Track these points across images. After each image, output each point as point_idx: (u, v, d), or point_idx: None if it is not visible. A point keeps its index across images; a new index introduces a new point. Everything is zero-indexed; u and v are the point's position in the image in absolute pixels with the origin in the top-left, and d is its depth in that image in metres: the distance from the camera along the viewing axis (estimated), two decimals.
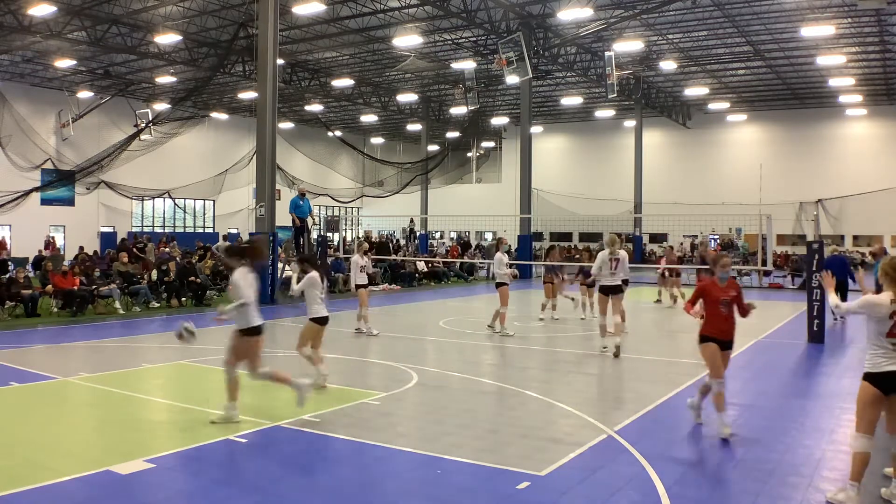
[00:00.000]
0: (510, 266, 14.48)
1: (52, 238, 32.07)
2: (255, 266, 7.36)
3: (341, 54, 32.67)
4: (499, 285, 13.81)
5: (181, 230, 40.14)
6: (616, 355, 11.20)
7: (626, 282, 14.14)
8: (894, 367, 5.17)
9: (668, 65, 31.16)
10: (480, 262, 31.35)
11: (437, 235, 45.27)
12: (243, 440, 6.73)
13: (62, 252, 30.23)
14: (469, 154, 51.87)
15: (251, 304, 7.04)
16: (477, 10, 24.75)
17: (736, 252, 34.71)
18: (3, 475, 5.65)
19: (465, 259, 31.45)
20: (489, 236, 47.11)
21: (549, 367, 10.91)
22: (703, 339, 7.28)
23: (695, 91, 37.09)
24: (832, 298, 5.64)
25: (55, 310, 16.19)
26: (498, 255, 14.17)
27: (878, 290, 5.68)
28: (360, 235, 33.94)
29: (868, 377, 5.24)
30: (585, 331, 14.41)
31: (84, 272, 17.49)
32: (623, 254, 11.83)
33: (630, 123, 42.77)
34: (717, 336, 7.17)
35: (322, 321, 9.00)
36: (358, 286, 13.85)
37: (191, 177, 38.21)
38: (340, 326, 15.28)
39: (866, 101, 36.92)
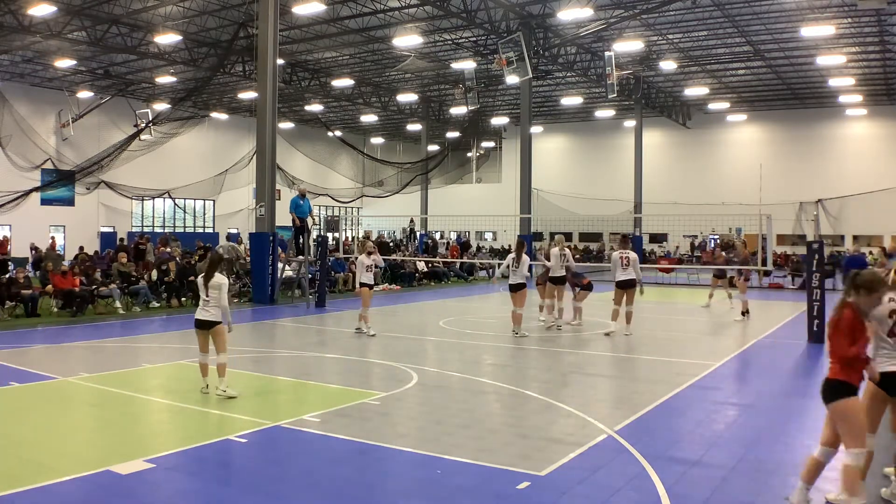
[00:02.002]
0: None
1: (52, 238, 31.96)
2: None
3: (341, 54, 32.67)
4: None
5: (181, 230, 40.14)
6: (558, 328, 13.85)
7: (625, 282, 14.00)
8: (893, 367, 5.16)
9: (668, 65, 31.15)
10: (481, 263, 31.33)
11: (437, 236, 45.26)
12: (243, 440, 6.73)
13: (62, 252, 30.20)
14: (469, 154, 51.88)
15: None
16: (477, 10, 24.73)
17: (737, 252, 34.68)
18: (3, 475, 5.65)
19: (466, 259, 31.43)
20: (489, 236, 47.14)
21: (548, 367, 10.92)
22: (846, 389, 4.87)
23: (695, 91, 37.08)
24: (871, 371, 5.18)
25: (55, 310, 16.19)
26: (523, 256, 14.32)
27: None
28: (366, 235, 33.91)
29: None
30: (584, 331, 14.40)
31: (84, 272, 17.50)
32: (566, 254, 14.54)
33: (630, 123, 42.76)
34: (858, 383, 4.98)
35: (195, 324, 8.58)
36: (363, 285, 13.61)
37: (191, 177, 38.21)
38: (340, 326, 15.29)
39: (866, 101, 36.91)
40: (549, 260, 14.82)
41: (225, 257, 21.27)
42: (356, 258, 15.11)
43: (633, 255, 13.79)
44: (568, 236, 45.07)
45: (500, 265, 15.41)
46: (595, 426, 7.22)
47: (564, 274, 14.63)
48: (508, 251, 14.31)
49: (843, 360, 4.87)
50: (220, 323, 8.44)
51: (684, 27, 27.42)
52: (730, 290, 18.73)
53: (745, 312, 16.26)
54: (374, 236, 33.35)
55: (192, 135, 39.65)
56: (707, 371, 10.33)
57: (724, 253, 19.30)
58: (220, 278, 8.50)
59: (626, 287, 13.73)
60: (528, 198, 30.66)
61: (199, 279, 8.62)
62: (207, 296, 8.46)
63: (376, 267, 14.47)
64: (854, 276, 5.07)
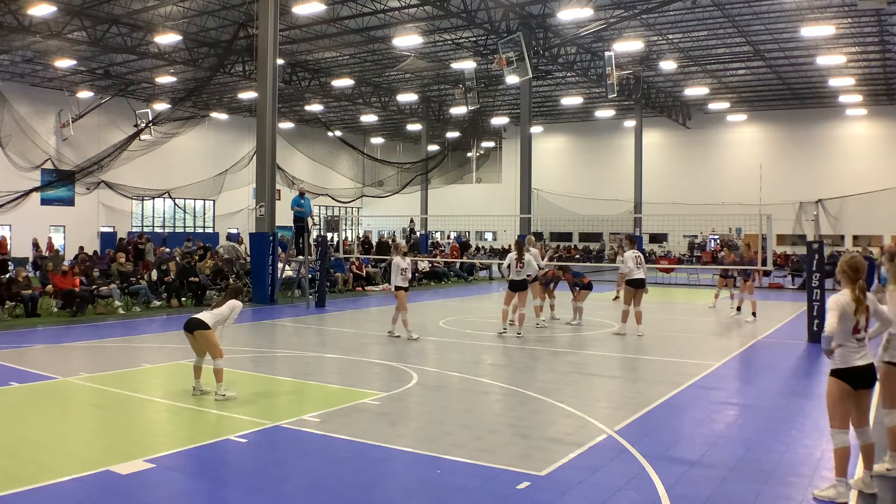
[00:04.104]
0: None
1: (49, 239, 31.97)
2: None
3: (341, 54, 32.67)
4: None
5: (181, 230, 40.15)
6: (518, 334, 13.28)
7: (640, 281, 13.81)
8: (862, 361, 5.34)
9: (668, 65, 31.16)
10: (481, 263, 31.33)
11: (437, 236, 45.26)
12: (243, 440, 6.73)
13: (62, 252, 30.22)
14: (469, 154, 51.89)
15: None
16: (477, 10, 24.74)
17: (737, 252, 34.69)
18: (3, 475, 5.65)
19: (465, 259, 31.42)
20: (489, 236, 47.16)
21: (548, 367, 10.91)
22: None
23: (695, 91, 37.09)
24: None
25: (55, 310, 16.18)
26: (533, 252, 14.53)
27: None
28: (366, 236, 33.92)
29: (838, 373, 5.37)
30: (584, 331, 14.41)
31: (84, 272, 17.48)
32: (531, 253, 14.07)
33: (630, 123, 42.77)
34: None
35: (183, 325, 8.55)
36: (398, 288, 13.04)
37: (191, 177, 38.20)
38: (340, 326, 15.30)
39: (866, 101, 36.92)
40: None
41: (225, 257, 21.39)
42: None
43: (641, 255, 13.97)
44: (568, 236, 45.19)
45: (500, 265, 15.28)
46: (595, 426, 7.22)
47: (520, 279, 13.48)
48: (509, 251, 14.04)
49: None
50: (206, 328, 8.22)
51: (684, 27, 27.42)
52: (733, 291, 18.71)
53: (752, 313, 16.27)
54: (374, 236, 33.39)
55: (192, 135, 39.64)
56: (707, 371, 10.33)
57: (732, 253, 19.26)
58: (234, 303, 8.52)
59: (640, 286, 13.66)
60: (528, 198, 30.66)
61: (215, 298, 8.62)
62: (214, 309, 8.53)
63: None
64: None
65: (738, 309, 16.57)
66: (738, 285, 17.96)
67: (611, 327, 14.13)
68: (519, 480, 5.63)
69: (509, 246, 14.62)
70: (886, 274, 6.37)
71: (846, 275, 5.49)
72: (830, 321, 5.33)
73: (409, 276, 13.46)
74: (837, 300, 5.38)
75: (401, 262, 13.12)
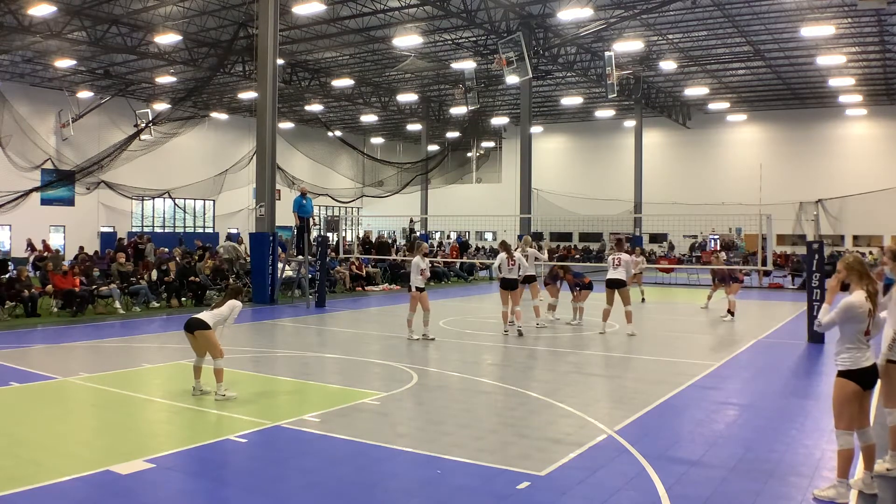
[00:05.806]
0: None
1: (44, 242, 31.91)
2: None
3: (341, 54, 32.67)
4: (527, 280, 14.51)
5: (181, 230, 40.15)
6: (520, 333, 13.38)
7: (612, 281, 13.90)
8: (869, 362, 5.34)
9: (668, 65, 31.16)
10: (481, 263, 31.32)
11: (437, 236, 45.24)
12: (243, 440, 6.73)
13: (61, 252, 30.21)
14: (469, 154, 51.89)
15: None
16: (477, 10, 24.74)
17: (736, 252, 34.77)
18: (3, 475, 5.65)
19: (466, 259, 31.42)
20: (489, 236, 47.16)
21: (548, 367, 10.91)
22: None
23: (695, 91, 37.09)
24: (823, 311, 5.46)
25: (55, 310, 16.18)
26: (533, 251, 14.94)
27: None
28: (366, 235, 33.88)
29: (848, 374, 5.34)
30: (584, 331, 14.41)
31: (84, 272, 17.48)
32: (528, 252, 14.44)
33: (630, 123, 42.78)
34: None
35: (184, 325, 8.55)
36: (418, 289, 12.91)
37: (191, 177, 38.22)
38: (340, 326, 15.30)
39: (866, 101, 36.92)
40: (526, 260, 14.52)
41: (225, 257, 21.39)
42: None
43: (625, 257, 14.03)
44: (568, 236, 45.19)
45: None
46: (595, 426, 7.22)
47: (511, 277, 13.68)
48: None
49: None
50: (206, 328, 8.22)
51: (684, 27, 27.42)
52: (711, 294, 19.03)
53: (730, 311, 16.37)
54: (374, 236, 33.38)
55: (192, 135, 39.65)
56: (707, 371, 10.33)
57: (713, 257, 19.47)
58: (234, 303, 8.54)
59: (612, 286, 13.82)
60: (528, 198, 30.66)
61: (215, 298, 8.64)
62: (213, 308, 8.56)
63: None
64: None
65: (731, 314, 16.51)
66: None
67: (611, 328, 14.14)
68: (519, 480, 5.64)
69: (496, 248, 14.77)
70: (891, 274, 6.35)
71: (857, 272, 5.41)
72: (832, 317, 5.34)
73: (428, 275, 13.49)
74: (851, 304, 5.30)
75: (420, 263, 13.08)
